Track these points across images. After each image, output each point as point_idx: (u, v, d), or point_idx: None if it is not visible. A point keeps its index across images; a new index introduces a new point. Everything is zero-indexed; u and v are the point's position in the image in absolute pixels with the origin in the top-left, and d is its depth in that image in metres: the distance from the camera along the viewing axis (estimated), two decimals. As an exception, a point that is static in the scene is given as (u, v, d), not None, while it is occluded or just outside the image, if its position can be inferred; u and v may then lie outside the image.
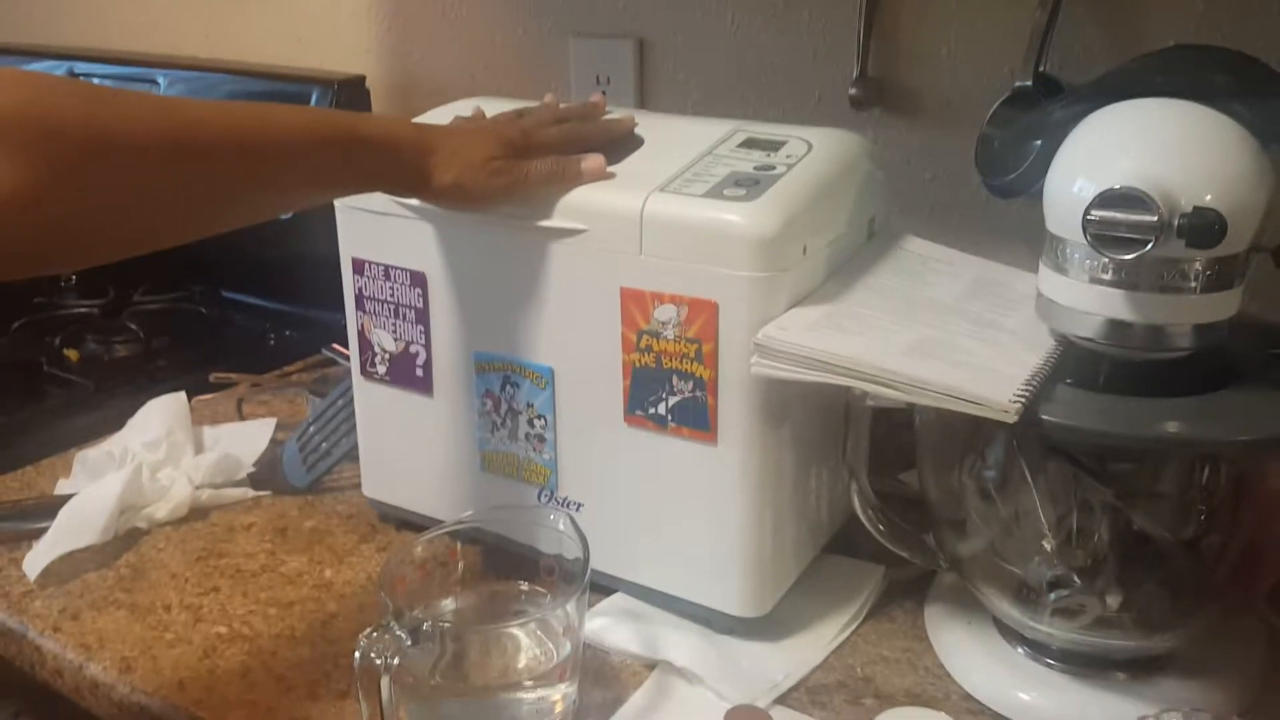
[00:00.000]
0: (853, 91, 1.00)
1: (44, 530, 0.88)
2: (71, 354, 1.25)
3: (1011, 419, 0.60)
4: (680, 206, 0.70)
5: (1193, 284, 0.61)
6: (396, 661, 0.62)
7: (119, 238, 0.63)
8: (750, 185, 0.71)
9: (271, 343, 1.32)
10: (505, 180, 0.74)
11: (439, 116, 0.84)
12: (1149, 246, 0.59)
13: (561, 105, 0.84)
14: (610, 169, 0.76)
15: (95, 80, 1.49)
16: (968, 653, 0.74)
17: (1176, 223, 0.58)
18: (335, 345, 1.17)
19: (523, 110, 0.83)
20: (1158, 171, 0.59)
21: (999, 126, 0.90)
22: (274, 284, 1.39)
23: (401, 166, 0.73)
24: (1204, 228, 0.58)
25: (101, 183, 0.59)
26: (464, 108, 0.85)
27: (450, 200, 0.76)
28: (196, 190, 0.64)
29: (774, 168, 0.73)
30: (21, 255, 0.58)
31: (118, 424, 1.03)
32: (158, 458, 0.97)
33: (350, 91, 1.27)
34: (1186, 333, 0.63)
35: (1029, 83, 0.89)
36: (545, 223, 0.74)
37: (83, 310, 1.38)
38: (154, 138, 0.61)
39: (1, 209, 0.54)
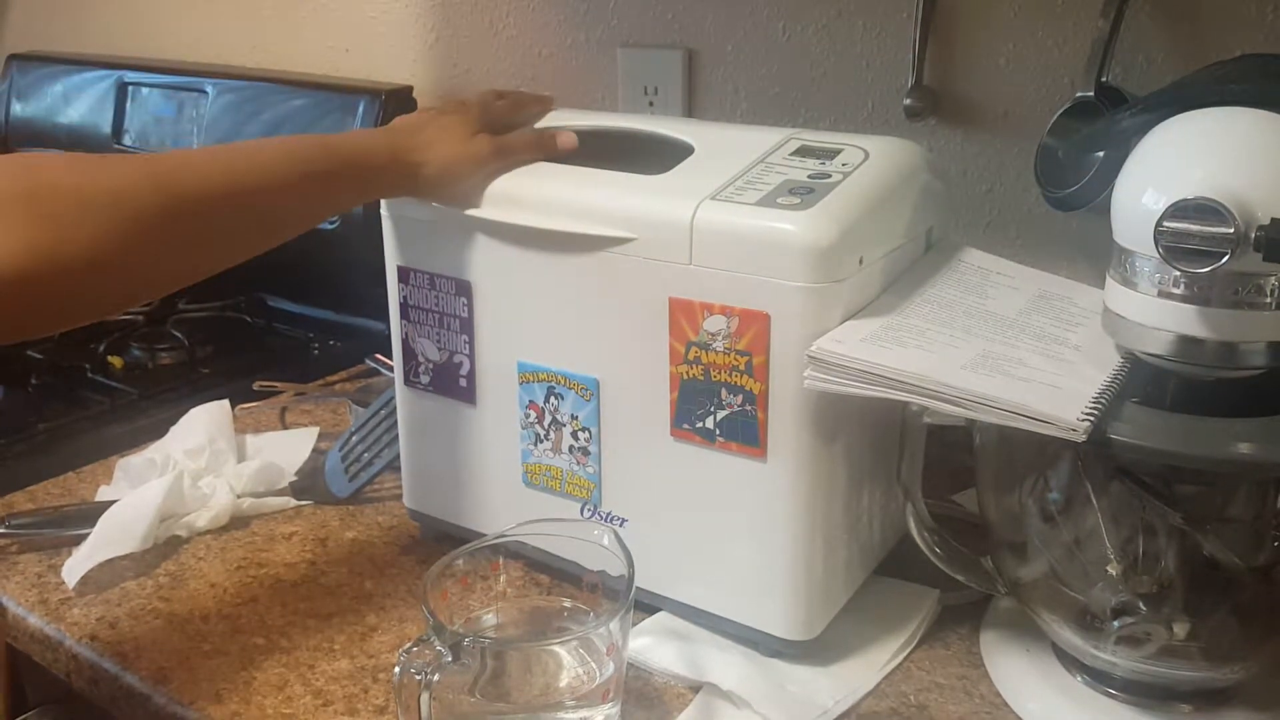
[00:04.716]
0: (907, 101, 0.98)
1: (84, 537, 0.87)
2: (115, 361, 1.25)
3: (1080, 438, 0.58)
4: (732, 215, 0.69)
5: (1268, 299, 0.59)
6: (437, 678, 0.61)
7: (112, 293, 0.65)
8: (805, 193, 0.69)
9: (315, 352, 1.32)
10: (489, 147, 0.77)
11: None
12: (1224, 260, 0.56)
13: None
14: (659, 177, 0.74)
15: (145, 89, 1.50)
16: (1025, 681, 0.71)
17: (1253, 235, 0.56)
18: (378, 355, 1.17)
19: (464, 100, 0.86)
20: (1233, 182, 0.57)
21: (1060, 137, 0.88)
22: (319, 293, 1.39)
23: (384, 171, 0.76)
24: (1282, 241, 0.55)
25: (93, 239, 0.60)
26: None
27: (444, 185, 0.77)
28: (190, 238, 0.67)
29: (829, 176, 0.71)
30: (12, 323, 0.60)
31: (160, 431, 1.03)
32: (199, 465, 0.96)
33: (397, 101, 1.27)
34: (1260, 350, 0.60)
35: (1091, 93, 0.88)
36: (593, 231, 0.73)
37: (127, 318, 1.37)
38: (143, 190, 0.63)
39: None
